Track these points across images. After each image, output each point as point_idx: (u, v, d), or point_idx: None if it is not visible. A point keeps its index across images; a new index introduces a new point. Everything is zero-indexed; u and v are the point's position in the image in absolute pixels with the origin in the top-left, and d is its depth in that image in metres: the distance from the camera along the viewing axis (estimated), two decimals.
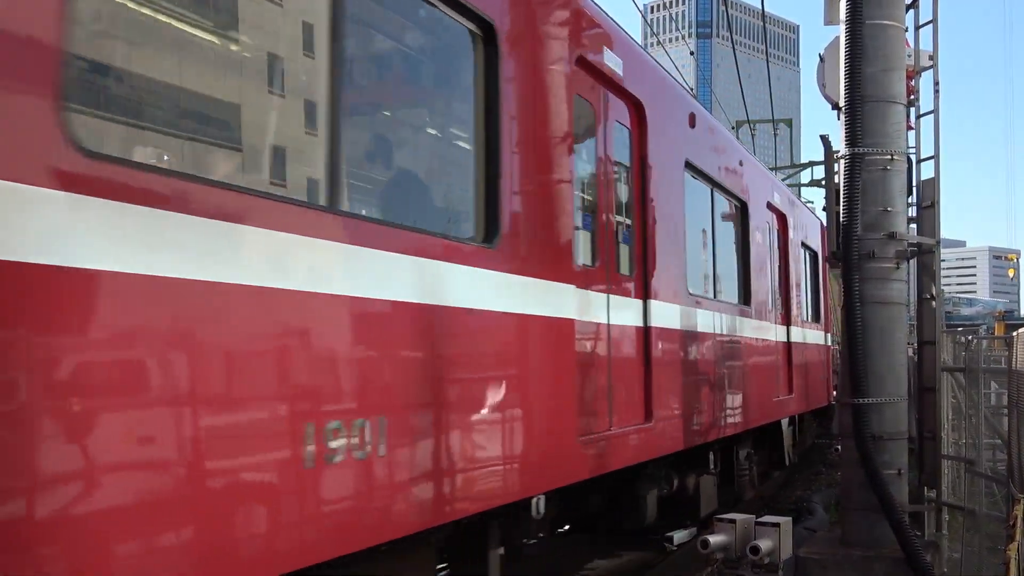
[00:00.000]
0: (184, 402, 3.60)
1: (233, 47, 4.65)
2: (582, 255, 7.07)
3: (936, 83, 9.87)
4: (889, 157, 8.77)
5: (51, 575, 3.13)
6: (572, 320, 6.67)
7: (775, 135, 33.19)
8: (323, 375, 4.33)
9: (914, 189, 9.78)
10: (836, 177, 9.19)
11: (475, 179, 5.74)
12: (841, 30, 8.93)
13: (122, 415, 3.37)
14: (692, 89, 12.00)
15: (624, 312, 7.73)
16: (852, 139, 8.63)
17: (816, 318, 17.65)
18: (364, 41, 5.41)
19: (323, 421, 4.25)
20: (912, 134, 10.38)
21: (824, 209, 10.03)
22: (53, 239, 3.12)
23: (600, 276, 7.35)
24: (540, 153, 6.35)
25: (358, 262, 4.56)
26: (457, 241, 5.47)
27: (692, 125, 9.97)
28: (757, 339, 12.34)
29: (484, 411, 5.61)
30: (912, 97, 10.32)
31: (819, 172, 28.81)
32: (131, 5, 3.98)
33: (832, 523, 12.65)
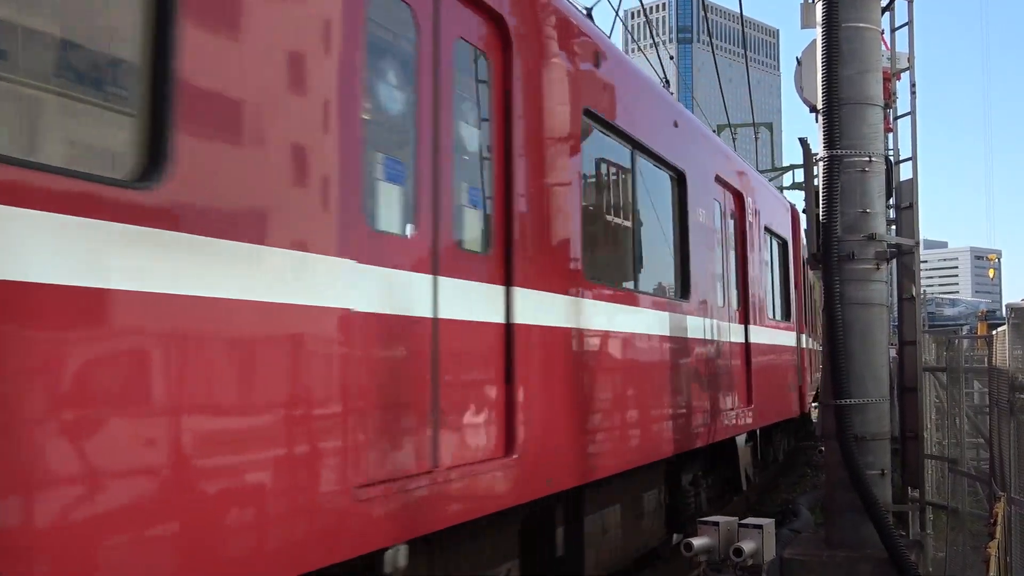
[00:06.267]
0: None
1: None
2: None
3: (913, 85, 9.92)
4: (867, 159, 8.80)
5: None
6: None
7: (756, 139, 33.30)
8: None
9: (893, 191, 9.82)
10: (815, 179, 9.22)
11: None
12: (817, 33, 8.97)
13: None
14: (673, 94, 11.71)
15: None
16: (830, 141, 8.67)
17: (787, 316, 15.51)
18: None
19: None
20: (891, 136, 10.44)
21: (804, 211, 10.06)
22: None
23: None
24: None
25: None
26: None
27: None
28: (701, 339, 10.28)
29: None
30: (890, 99, 10.37)
31: (801, 175, 28.87)
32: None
33: (817, 525, 12.66)
